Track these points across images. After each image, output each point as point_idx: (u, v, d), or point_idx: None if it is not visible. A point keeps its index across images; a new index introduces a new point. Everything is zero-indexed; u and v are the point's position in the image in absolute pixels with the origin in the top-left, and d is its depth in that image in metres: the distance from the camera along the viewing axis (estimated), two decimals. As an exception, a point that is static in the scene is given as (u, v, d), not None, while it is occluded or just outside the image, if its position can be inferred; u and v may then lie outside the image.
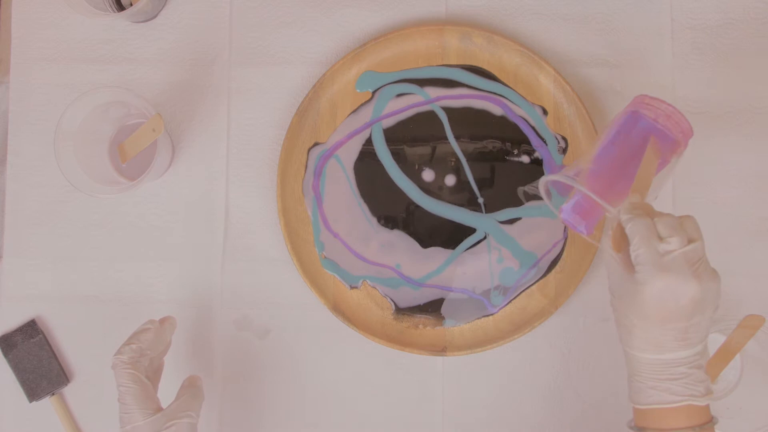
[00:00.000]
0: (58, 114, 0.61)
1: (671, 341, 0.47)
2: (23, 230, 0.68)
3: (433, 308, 0.66)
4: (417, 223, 0.67)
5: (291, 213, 0.67)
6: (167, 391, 0.58)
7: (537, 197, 0.66)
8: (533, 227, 0.66)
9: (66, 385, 0.67)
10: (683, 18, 0.68)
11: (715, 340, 0.64)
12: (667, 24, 0.68)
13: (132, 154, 0.63)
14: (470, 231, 0.66)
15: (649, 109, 0.57)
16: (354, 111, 0.67)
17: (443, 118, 0.67)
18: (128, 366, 0.55)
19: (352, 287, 0.66)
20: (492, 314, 0.66)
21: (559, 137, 0.66)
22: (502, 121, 0.67)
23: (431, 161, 0.67)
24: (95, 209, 0.68)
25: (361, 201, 0.67)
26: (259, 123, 0.68)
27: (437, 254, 0.66)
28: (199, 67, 0.69)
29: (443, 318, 0.66)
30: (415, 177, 0.67)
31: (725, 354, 0.61)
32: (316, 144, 0.67)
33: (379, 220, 0.67)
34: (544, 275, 0.66)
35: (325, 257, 0.67)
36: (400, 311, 0.66)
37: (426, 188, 0.67)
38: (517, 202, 0.66)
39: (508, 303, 0.66)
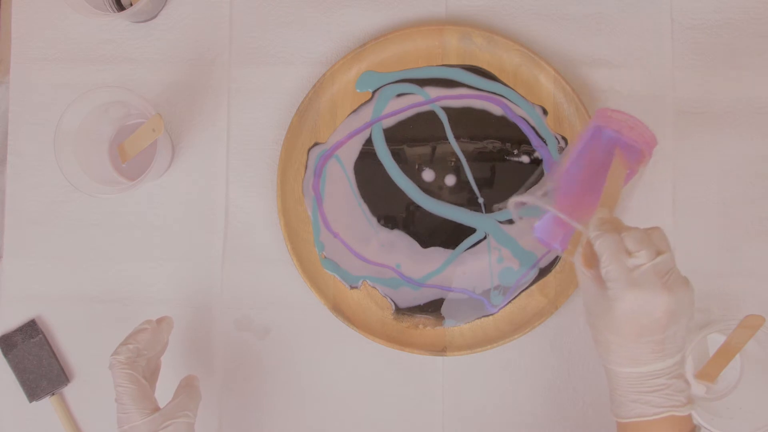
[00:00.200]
0: (58, 114, 0.61)
1: (648, 354, 0.47)
2: (23, 230, 0.68)
3: (433, 308, 0.66)
4: (417, 223, 0.67)
5: (291, 213, 0.67)
6: (168, 391, 0.58)
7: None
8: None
9: (66, 385, 0.67)
10: (683, 18, 0.68)
11: (715, 340, 0.64)
12: (667, 24, 0.68)
13: (132, 154, 0.63)
14: (470, 231, 0.66)
15: (612, 122, 0.57)
16: (354, 111, 0.67)
17: (443, 118, 0.67)
18: (125, 366, 0.55)
19: (352, 287, 0.66)
20: (492, 314, 0.66)
21: (559, 137, 0.66)
22: (502, 121, 0.67)
23: (431, 161, 0.67)
24: (95, 209, 0.68)
25: (361, 201, 0.67)
26: (259, 123, 0.68)
27: (437, 254, 0.66)
28: (199, 67, 0.69)
29: (443, 318, 0.66)
30: (415, 177, 0.67)
31: (725, 354, 0.61)
32: (316, 144, 0.67)
33: (379, 220, 0.67)
34: (544, 275, 0.66)
35: (325, 257, 0.67)
36: (400, 311, 0.66)
37: (426, 188, 0.67)
38: (517, 202, 0.66)
39: (508, 303, 0.66)
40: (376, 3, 0.69)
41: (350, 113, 0.67)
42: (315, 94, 0.67)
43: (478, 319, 0.66)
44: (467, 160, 0.67)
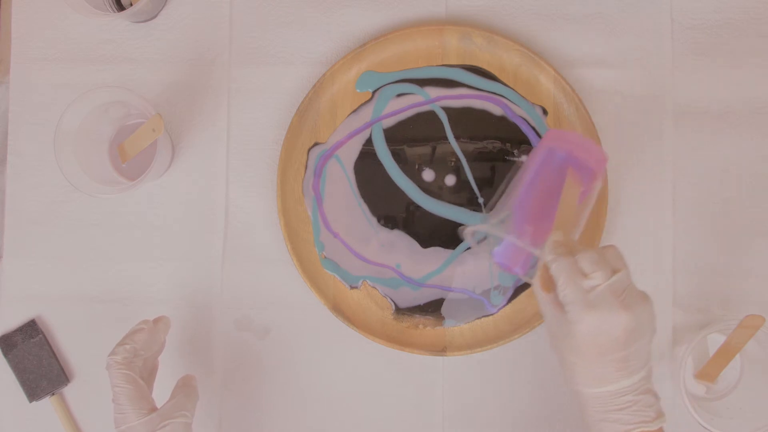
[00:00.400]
0: (58, 114, 0.61)
1: (613, 372, 0.47)
2: (23, 230, 0.68)
3: (433, 308, 0.66)
4: (417, 223, 0.67)
5: (291, 213, 0.67)
6: (168, 391, 0.58)
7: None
8: (533, 227, 0.66)
9: (66, 385, 0.67)
10: (683, 18, 0.68)
11: (715, 340, 0.64)
12: (667, 24, 0.68)
13: (132, 154, 0.63)
14: (470, 231, 0.66)
15: (562, 143, 0.58)
16: (354, 111, 0.67)
17: (443, 118, 0.67)
18: (122, 366, 0.55)
19: (352, 287, 0.66)
20: (492, 314, 0.66)
21: (559, 137, 0.66)
22: (502, 121, 0.67)
23: (431, 161, 0.67)
24: (95, 209, 0.68)
25: (361, 201, 0.67)
26: (259, 123, 0.68)
27: (437, 254, 0.66)
28: (199, 67, 0.69)
29: (443, 318, 0.66)
30: (415, 177, 0.67)
31: (725, 354, 0.61)
32: (316, 144, 0.67)
33: (379, 220, 0.67)
34: (544, 275, 0.66)
35: (325, 257, 0.67)
36: (400, 311, 0.66)
37: (426, 188, 0.67)
38: (517, 202, 0.66)
39: (507, 303, 0.66)
40: (376, 3, 0.69)
41: (350, 113, 0.67)
42: (315, 94, 0.67)
43: (478, 319, 0.66)
44: (467, 160, 0.67)
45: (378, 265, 0.66)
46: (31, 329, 0.67)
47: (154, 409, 0.55)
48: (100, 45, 0.69)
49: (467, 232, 0.59)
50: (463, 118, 0.67)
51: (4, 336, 0.67)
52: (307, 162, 0.67)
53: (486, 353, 0.66)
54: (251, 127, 0.69)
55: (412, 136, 0.67)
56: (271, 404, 0.67)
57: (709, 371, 0.63)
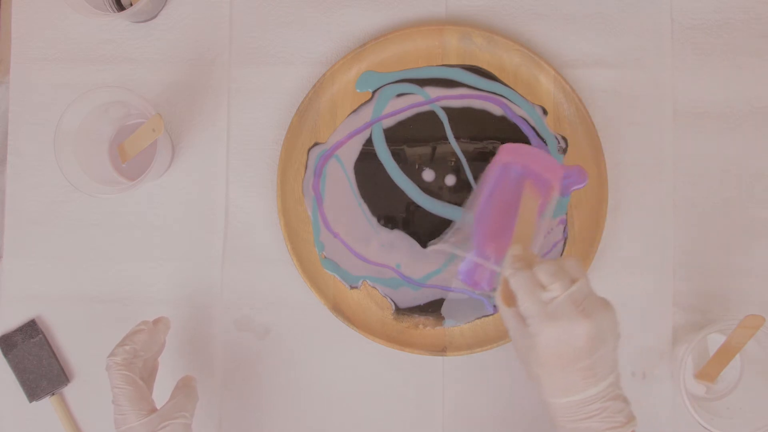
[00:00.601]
0: (58, 114, 0.61)
1: (579, 381, 0.47)
2: (23, 230, 0.68)
3: (433, 308, 0.66)
4: (417, 223, 0.67)
5: (291, 213, 0.67)
6: (168, 392, 0.58)
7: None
8: (533, 227, 0.66)
9: (66, 385, 0.67)
10: (683, 18, 0.68)
11: (715, 340, 0.64)
12: (667, 24, 0.68)
13: (132, 154, 0.63)
14: (470, 231, 0.66)
15: (517, 157, 0.58)
16: (354, 111, 0.67)
17: (443, 118, 0.67)
18: (122, 367, 0.55)
19: (352, 287, 0.66)
20: (492, 314, 0.66)
21: (559, 137, 0.66)
22: (502, 121, 0.67)
23: (431, 161, 0.67)
24: (95, 209, 0.68)
25: (361, 201, 0.67)
26: (259, 123, 0.68)
27: (437, 254, 0.66)
28: (199, 67, 0.69)
29: (443, 318, 0.66)
30: (415, 177, 0.67)
31: (725, 354, 0.61)
32: (316, 144, 0.67)
33: (379, 220, 0.67)
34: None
35: (325, 257, 0.67)
36: (400, 311, 0.66)
37: (426, 188, 0.67)
38: (517, 202, 0.66)
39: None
40: (376, 3, 0.69)
41: (350, 113, 0.67)
42: (315, 94, 0.67)
43: (478, 319, 0.66)
44: (467, 160, 0.66)
45: (378, 265, 0.66)
46: (31, 329, 0.67)
47: (154, 409, 0.55)
48: (100, 45, 0.69)
49: (429, 251, 0.60)
50: (463, 118, 0.67)
51: (4, 336, 0.67)
52: (307, 162, 0.67)
53: (486, 353, 0.66)
54: (251, 127, 0.69)
55: (412, 136, 0.67)
56: (271, 404, 0.67)
57: (709, 371, 0.63)
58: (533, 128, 0.67)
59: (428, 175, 0.67)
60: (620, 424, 0.47)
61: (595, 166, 0.66)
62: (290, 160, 0.67)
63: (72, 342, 0.68)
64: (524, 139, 0.66)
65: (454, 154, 0.67)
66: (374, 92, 0.67)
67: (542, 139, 0.66)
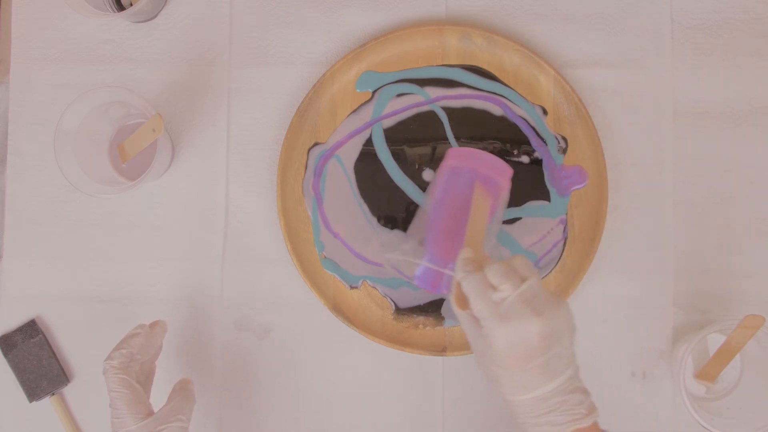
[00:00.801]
0: (58, 114, 0.61)
1: (536, 378, 0.47)
2: (23, 230, 0.68)
3: (433, 308, 0.66)
4: (417, 223, 0.67)
5: (291, 213, 0.67)
6: (168, 393, 0.58)
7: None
8: (533, 227, 0.66)
9: (66, 385, 0.67)
10: (683, 18, 0.68)
11: (715, 340, 0.64)
12: (667, 24, 0.68)
13: (132, 154, 0.63)
14: (470, 231, 0.66)
15: (464, 161, 0.59)
16: (354, 111, 0.67)
17: (443, 118, 0.67)
18: (119, 371, 0.55)
19: (352, 287, 0.66)
20: (492, 314, 0.66)
21: (559, 137, 0.66)
22: (502, 121, 0.67)
23: (431, 161, 0.67)
24: (95, 209, 0.68)
25: (361, 201, 0.67)
26: (259, 123, 0.68)
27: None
28: (199, 67, 0.69)
29: (443, 318, 0.66)
30: (415, 177, 0.67)
31: (725, 354, 0.61)
32: (316, 144, 0.67)
33: (379, 220, 0.67)
34: (545, 275, 0.66)
35: (325, 257, 0.67)
36: (400, 311, 0.66)
37: (426, 188, 0.67)
38: (518, 202, 0.66)
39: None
40: (376, 3, 0.69)
41: (350, 113, 0.67)
42: (315, 94, 0.67)
43: (478, 319, 0.66)
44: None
45: (378, 265, 0.66)
46: (31, 329, 0.67)
47: (151, 413, 0.55)
48: (100, 45, 0.69)
49: (384, 260, 0.60)
50: (463, 118, 0.67)
51: (4, 336, 0.67)
52: (307, 162, 0.67)
53: (486, 353, 0.66)
54: (251, 127, 0.69)
55: (412, 136, 0.67)
56: (270, 404, 0.67)
57: (709, 371, 0.63)
58: (533, 128, 0.66)
59: (428, 175, 0.67)
60: (581, 416, 0.47)
61: (595, 166, 0.66)
62: (290, 160, 0.67)
63: (72, 342, 0.68)
64: (524, 140, 0.66)
65: (454, 154, 0.67)
66: (374, 92, 0.67)
67: (542, 139, 0.66)
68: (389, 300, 0.66)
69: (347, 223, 0.67)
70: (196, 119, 0.69)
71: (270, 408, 0.67)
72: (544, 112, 0.67)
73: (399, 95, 0.67)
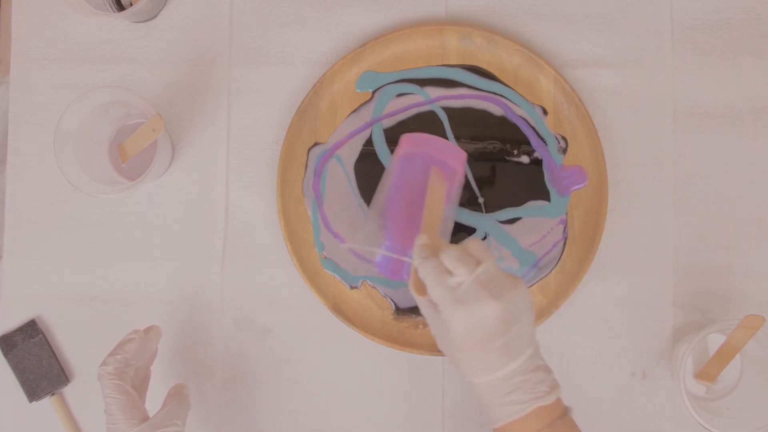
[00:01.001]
0: (58, 114, 0.61)
1: (496, 359, 0.47)
2: (23, 230, 0.68)
3: (433, 308, 0.66)
4: (417, 223, 0.67)
5: (291, 213, 0.67)
6: (166, 393, 0.58)
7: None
8: (533, 227, 0.66)
9: (66, 385, 0.67)
10: (683, 18, 0.68)
11: (715, 340, 0.64)
12: (667, 24, 0.68)
13: (132, 154, 0.63)
14: (470, 231, 0.66)
15: (418, 147, 0.59)
16: (354, 111, 0.67)
17: (443, 118, 0.67)
18: (114, 377, 0.55)
19: (352, 287, 0.66)
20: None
21: (559, 137, 0.66)
22: (502, 121, 0.67)
23: (431, 161, 0.67)
24: (95, 209, 0.68)
25: (361, 201, 0.67)
26: (259, 123, 0.68)
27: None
28: (199, 67, 0.69)
29: (443, 318, 0.66)
30: (415, 177, 0.67)
31: (725, 354, 0.61)
32: (316, 144, 0.67)
33: (379, 220, 0.67)
34: (545, 275, 0.66)
35: (325, 257, 0.67)
36: (400, 311, 0.66)
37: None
38: (518, 202, 0.66)
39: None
40: (376, 3, 0.69)
41: (350, 113, 0.67)
42: (315, 94, 0.67)
43: (478, 319, 0.66)
44: (467, 160, 0.66)
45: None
46: (31, 329, 0.67)
47: (146, 418, 0.55)
48: (100, 45, 0.69)
49: (343, 248, 0.60)
50: (463, 118, 0.67)
51: (4, 336, 0.67)
52: (307, 162, 0.67)
53: (486, 353, 0.66)
54: (251, 127, 0.69)
55: (412, 136, 0.67)
56: (271, 404, 0.67)
57: (709, 371, 0.63)
58: (533, 128, 0.67)
59: (428, 175, 0.67)
60: (544, 393, 0.48)
61: (595, 166, 0.66)
62: (290, 160, 0.67)
63: (72, 342, 0.68)
64: (524, 140, 0.66)
65: (454, 154, 0.67)
66: (374, 92, 0.67)
67: (542, 139, 0.66)
68: (389, 300, 0.66)
69: (347, 223, 0.67)
70: (196, 119, 0.69)
71: (270, 408, 0.67)
72: (544, 112, 0.67)
73: (399, 95, 0.67)
